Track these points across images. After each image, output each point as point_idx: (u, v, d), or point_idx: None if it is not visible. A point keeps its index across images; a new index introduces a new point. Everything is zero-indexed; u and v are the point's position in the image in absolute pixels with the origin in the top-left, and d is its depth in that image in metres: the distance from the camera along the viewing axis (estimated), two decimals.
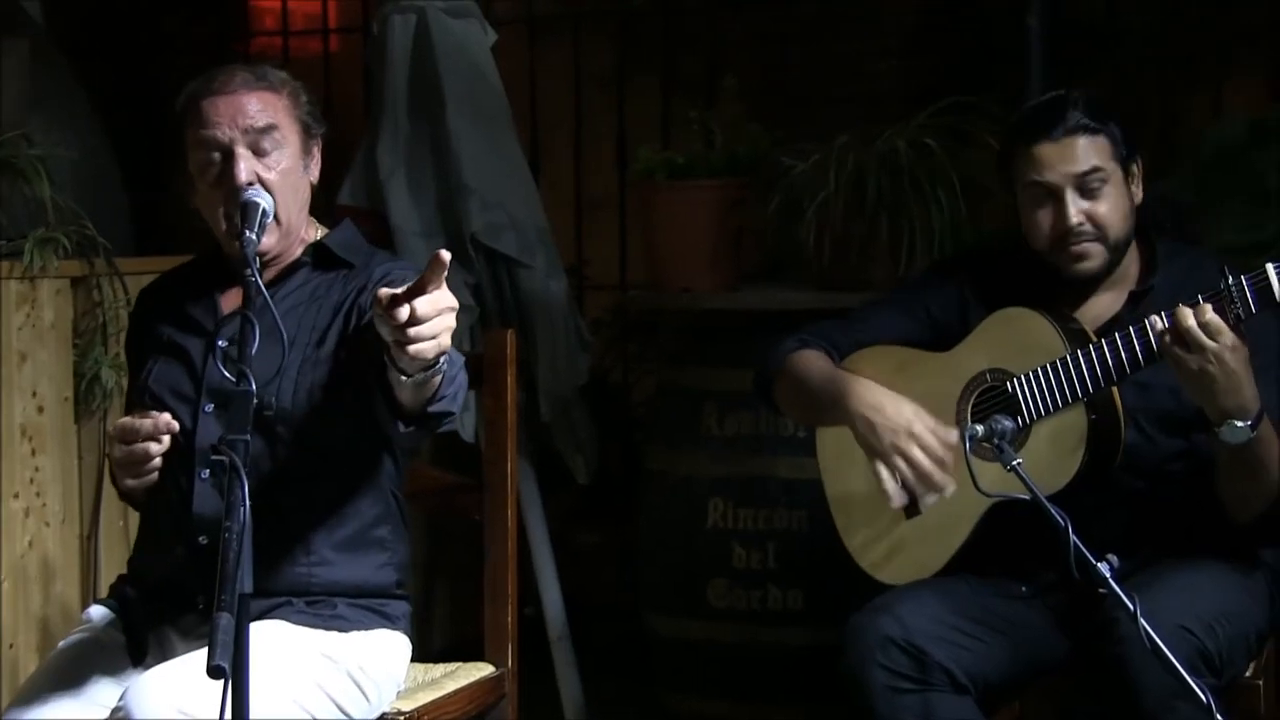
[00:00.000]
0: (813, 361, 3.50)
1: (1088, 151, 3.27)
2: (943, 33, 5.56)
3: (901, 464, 3.28)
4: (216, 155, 3.07)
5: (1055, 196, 3.27)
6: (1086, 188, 3.26)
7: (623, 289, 6.05)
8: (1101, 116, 3.30)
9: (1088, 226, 3.27)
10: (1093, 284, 3.34)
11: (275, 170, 3.08)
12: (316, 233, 3.24)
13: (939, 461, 3.26)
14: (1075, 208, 3.25)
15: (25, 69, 4.84)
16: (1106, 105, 3.36)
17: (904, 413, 3.31)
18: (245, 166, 3.05)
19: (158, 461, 2.99)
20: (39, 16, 5.12)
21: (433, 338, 2.64)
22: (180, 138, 3.12)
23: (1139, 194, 3.36)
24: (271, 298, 2.75)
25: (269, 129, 3.08)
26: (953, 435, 3.27)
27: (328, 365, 3.07)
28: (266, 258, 3.11)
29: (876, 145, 4.51)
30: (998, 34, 5.24)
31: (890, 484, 3.31)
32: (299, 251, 3.19)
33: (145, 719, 2.76)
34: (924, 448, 3.27)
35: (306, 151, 3.16)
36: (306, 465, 3.07)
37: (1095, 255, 3.29)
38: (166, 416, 2.98)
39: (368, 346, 2.85)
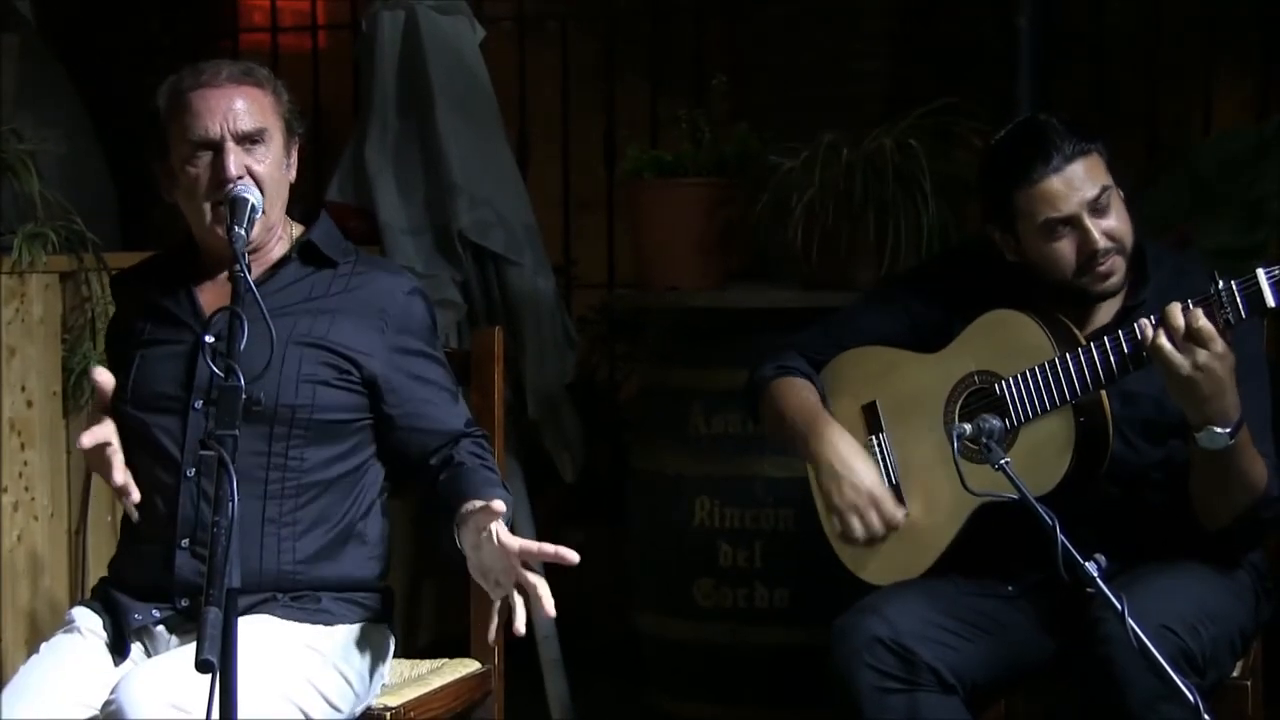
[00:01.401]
0: (791, 394, 3.51)
1: (1092, 173, 3.23)
2: (931, 33, 5.57)
3: (857, 524, 3.37)
4: (204, 148, 3.05)
5: (1073, 225, 3.23)
6: (1099, 207, 3.23)
7: (610, 287, 6.06)
8: (1087, 134, 3.26)
9: (1110, 243, 3.24)
10: (1090, 297, 3.32)
11: (262, 164, 3.07)
12: (293, 229, 3.23)
13: (891, 526, 3.37)
14: (1097, 230, 3.22)
15: (15, 65, 4.85)
16: (1080, 120, 3.34)
17: (869, 480, 3.38)
18: (235, 160, 3.03)
19: (119, 459, 3.01)
20: (29, 13, 5.11)
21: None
22: (162, 131, 3.11)
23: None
24: (260, 294, 2.75)
25: (256, 124, 3.07)
26: (900, 515, 3.37)
27: (321, 372, 3.07)
28: (248, 249, 3.09)
29: (864, 145, 4.50)
30: (986, 35, 5.25)
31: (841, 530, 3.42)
32: (280, 250, 3.18)
33: (137, 716, 2.76)
34: (882, 516, 3.36)
35: (287, 151, 3.16)
36: (292, 461, 3.07)
37: (1119, 269, 3.26)
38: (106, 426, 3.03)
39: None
